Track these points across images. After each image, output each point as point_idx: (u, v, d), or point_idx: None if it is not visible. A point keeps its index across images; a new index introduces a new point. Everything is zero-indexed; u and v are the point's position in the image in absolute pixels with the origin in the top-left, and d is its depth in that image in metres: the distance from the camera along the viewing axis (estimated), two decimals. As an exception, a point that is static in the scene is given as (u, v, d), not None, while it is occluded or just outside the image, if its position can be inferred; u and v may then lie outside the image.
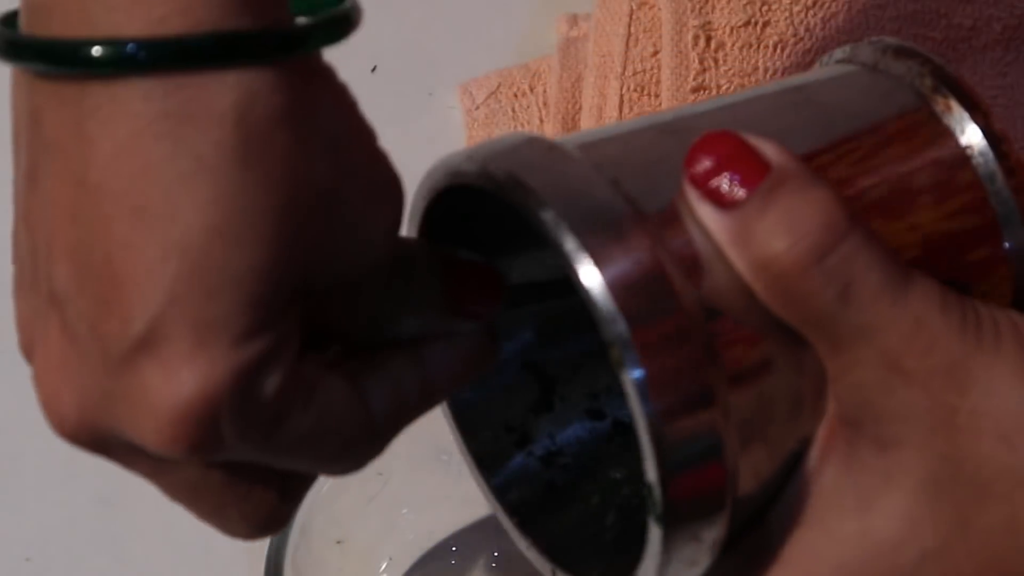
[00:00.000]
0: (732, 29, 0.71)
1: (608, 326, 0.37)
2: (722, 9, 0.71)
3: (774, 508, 0.40)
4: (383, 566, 0.62)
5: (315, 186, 0.36)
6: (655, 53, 0.71)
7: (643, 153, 0.40)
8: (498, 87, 0.75)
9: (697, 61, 0.69)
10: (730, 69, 0.69)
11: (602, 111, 0.70)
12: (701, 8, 0.71)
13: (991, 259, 0.40)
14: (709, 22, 0.71)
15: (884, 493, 0.38)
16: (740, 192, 0.37)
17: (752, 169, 0.37)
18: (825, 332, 0.37)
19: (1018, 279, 0.41)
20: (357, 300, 0.39)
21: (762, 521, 0.40)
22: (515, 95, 0.75)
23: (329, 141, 0.37)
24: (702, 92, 0.68)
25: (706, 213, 0.38)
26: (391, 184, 0.39)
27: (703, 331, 0.37)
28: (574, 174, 0.39)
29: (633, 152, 0.40)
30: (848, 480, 0.38)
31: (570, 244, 0.37)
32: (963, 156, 0.41)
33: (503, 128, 0.74)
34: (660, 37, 0.71)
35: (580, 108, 0.71)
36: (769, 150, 0.38)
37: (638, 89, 0.70)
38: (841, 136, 0.41)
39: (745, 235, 0.37)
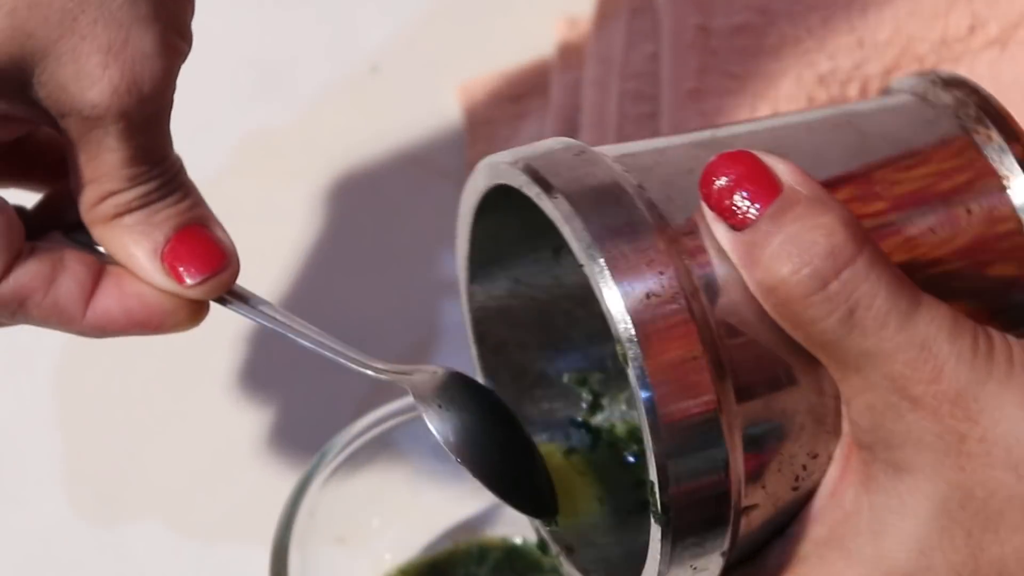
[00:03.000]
0: (731, 30, 0.71)
1: (616, 324, 0.37)
2: (721, 10, 0.71)
3: (797, 523, 0.40)
4: (384, 564, 0.62)
5: None
6: (654, 54, 0.71)
7: (673, 164, 0.41)
8: (498, 87, 0.75)
9: (696, 62, 0.69)
10: (729, 71, 0.69)
11: (602, 111, 0.70)
12: (700, 9, 0.71)
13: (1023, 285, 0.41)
14: (708, 23, 0.71)
15: (898, 518, 0.38)
16: (751, 213, 0.38)
17: (763, 190, 0.38)
18: (833, 356, 0.38)
19: None
20: (87, 155, 0.43)
21: (783, 535, 0.40)
22: (515, 96, 0.75)
23: None
24: (700, 94, 0.68)
25: (720, 232, 0.38)
26: (136, 57, 0.43)
27: (713, 343, 0.38)
28: (600, 176, 0.39)
29: (664, 162, 0.41)
30: (866, 500, 0.39)
31: (586, 245, 0.38)
32: (999, 186, 0.41)
33: (503, 128, 0.74)
34: (659, 38, 0.71)
35: (580, 108, 0.71)
36: (782, 171, 0.38)
37: (637, 90, 0.70)
38: (875, 159, 0.41)
39: (753, 257, 0.38)
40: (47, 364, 0.67)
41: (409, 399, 0.56)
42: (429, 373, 0.47)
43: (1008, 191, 0.41)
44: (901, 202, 0.40)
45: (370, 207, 0.72)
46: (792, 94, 0.68)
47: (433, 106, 0.76)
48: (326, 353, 0.47)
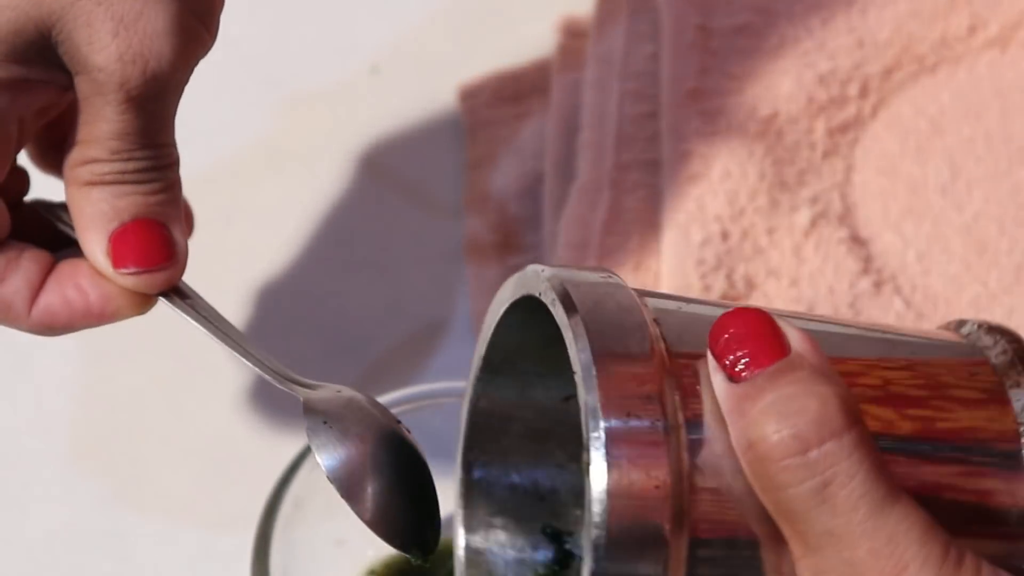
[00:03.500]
0: (731, 31, 0.71)
1: (587, 429, 0.37)
2: (721, 11, 0.71)
3: None
4: (367, 558, 0.62)
5: None
6: (654, 54, 0.71)
7: (695, 314, 0.41)
8: (498, 87, 0.75)
9: (696, 62, 0.69)
10: (729, 71, 0.69)
11: (602, 111, 0.70)
12: (700, 9, 0.71)
13: (1009, 525, 0.40)
14: (708, 23, 0.71)
15: None
16: (752, 369, 0.37)
17: (770, 349, 0.38)
18: (796, 528, 0.37)
19: None
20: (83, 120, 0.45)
21: None
22: (515, 96, 0.75)
23: None
24: (701, 94, 0.68)
25: (717, 381, 0.38)
26: (147, 31, 0.44)
27: (679, 480, 0.37)
28: (618, 298, 0.40)
29: (688, 310, 0.41)
30: None
31: (582, 351, 0.38)
32: (1015, 431, 0.41)
33: (504, 129, 0.74)
34: (659, 38, 0.71)
35: (580, 109, 0.71)
36: (794, 337, 0.38)
37: (637, 90, 0.70)
38: (894, 364, 0.41)
39: (742, 409, 0.37)
40: (48, 363, 0.67)
41: (404, 392, 0.56)
42: (333, 391, 0.47)
43: (1021, 438, 0.41)
44: (905, 409, 0.40)
45: (370, 207, 0.72)
46: (792, 94, 0.68)
47: (433, 106, 0.76)
48: (248, 363, 0.48)
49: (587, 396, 0.38)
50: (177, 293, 0.48)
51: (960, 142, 0.68)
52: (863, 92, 0.69)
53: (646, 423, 0.37)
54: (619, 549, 0.37)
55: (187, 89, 0.77)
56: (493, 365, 0.47)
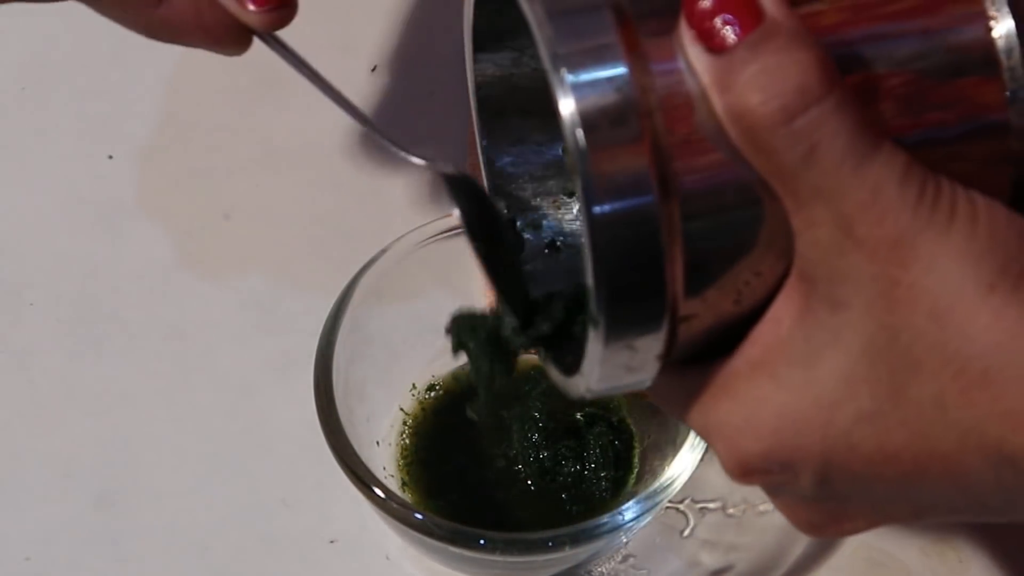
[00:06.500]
0: None
1: (565, 127, 0.38)
2: None
3: (739, 347, 0.41)
4: (380, 564, 0.62)
5: None
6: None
7: None
8: None
9: None
10: None
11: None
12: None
13: (989, 134, 0.40)
14: None
15: (831, 352, 0.39)
16: (730, 38, 0.38)
17: (746, 16, 0.38)
18: (789, 187, 0.38)
19: (1018, 163, 0.40)
20: None
21: (728, 352, 0.41)
22: None
23: None
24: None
25: (695, 53, 0.39)
26: None
27: (655, 135, 0.38)
28: None
29: None
30: (801, 333, 0.40)
31: (546, 36, 0.38)
32: (986, 27, 0.40)
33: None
34: None
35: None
36: (767, 1, 0.39)
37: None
38: None
39: (725, 82, 0.38)
40: (47, 363, 0.67)
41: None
42: (441, 163, 0.50)
43: (993, 32, 0.40)
44: (881, 28, 0.40)
45: (369, 207, 0.72)
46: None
47: (433, 106, 0.76)
48: (337, 104, 0.55)
49: (559, 96, 0.38)
50: (276, 40, 0.54)
51: None
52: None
53: (614, 83, 0.38)
54: (608, 213, 0.38)
55: (187, 89, 0.77)
56: (482, 36, 0.47)
